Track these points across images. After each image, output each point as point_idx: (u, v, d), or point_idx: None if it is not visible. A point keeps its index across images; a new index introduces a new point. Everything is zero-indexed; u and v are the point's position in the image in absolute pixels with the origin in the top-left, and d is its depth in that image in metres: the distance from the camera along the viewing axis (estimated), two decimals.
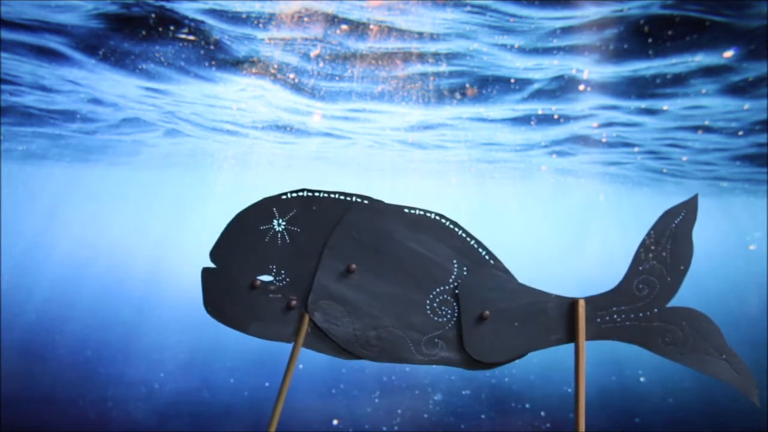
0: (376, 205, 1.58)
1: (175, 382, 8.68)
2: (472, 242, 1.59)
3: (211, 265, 1.60)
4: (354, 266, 1.58)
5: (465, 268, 1.59)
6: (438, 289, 1.60)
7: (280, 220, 1.59)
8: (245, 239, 1.59)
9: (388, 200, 1.61)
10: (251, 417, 7.62)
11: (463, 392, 8.87)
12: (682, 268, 1.56)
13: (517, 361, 1.61)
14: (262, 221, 1.58)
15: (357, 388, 8.60)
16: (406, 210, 1.59)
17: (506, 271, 1.60)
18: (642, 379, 9.83)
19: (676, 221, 1.56)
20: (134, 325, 11.69)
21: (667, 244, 1.56)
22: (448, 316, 1.60)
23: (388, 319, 1.59)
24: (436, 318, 1.60)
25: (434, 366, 1.62)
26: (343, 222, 1.57)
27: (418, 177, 13.33)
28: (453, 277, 1.59)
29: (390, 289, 1.59)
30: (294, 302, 1.60)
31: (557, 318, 1.58)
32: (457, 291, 1.59)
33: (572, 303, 1.58)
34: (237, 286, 1.59)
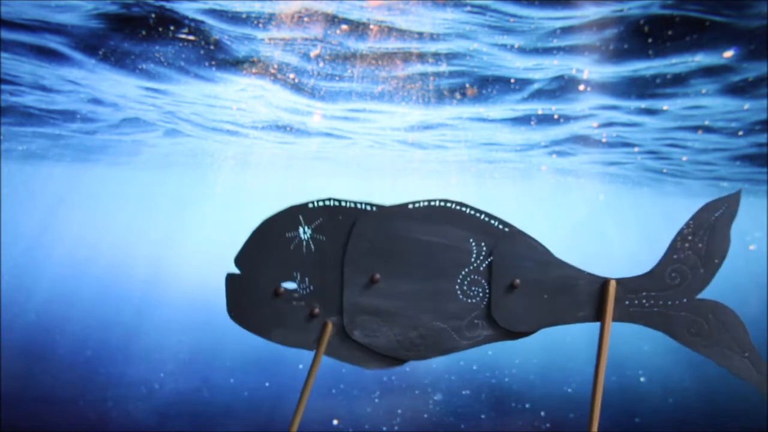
0: (380, 210, 1.58)
1: (175, 382, 8.68)
2: (482, 216, 1.59)
3: (236, 270, 1.60)
4: (377, 275, 1.59)
5: (483, 244, 1.59)
6: (463, 272, 1.60)
7: (306, 228, 1.59)
8: (270, 246, 1.59)
9: (388, 201, 1.61)
10: (251, 417, 7.62)
11: (463, 392, 8.88)
12: (716, 261, 1.57)
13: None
14: (288, 229, 1.59)
15: (357, 388, 8.60)
16: (411, 206, 1.59)
17: (531, 238, 1.60)
18: (642, 379, 9.83)
19: (716, 214, 1.57)
20: (134, 325, 11.69)
21: (705, 235, 1.56)
22: (480, 295, 1.60)
23: (424, 315, 1.60)
24: (469, 300, 1.60)
25: (478, 348, 1.62)
26: (354, 235, 1.58)
27: (418, 177, 13.33)
28: (474, 256, 1.59)
29: (417, 287, 1.60)
30: (317, 310, 1.60)
31: (587, 295, 1.59)
32: (482, 268, 1.59)
33: (604, 282, 1.58)
34: (261, 293, 1.60)
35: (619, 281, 1.58)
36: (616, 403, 8.39)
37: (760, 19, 3.78)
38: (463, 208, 1.59)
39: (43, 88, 6.55)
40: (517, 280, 1.58)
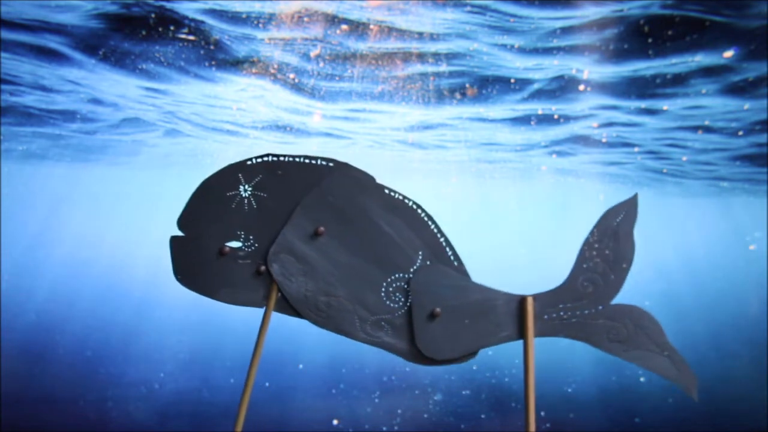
0: (359, 177, 1.58)
1: (175, 382, 8.68)
2: (442, 239, 1.60)
3: (180, 233, 1.60)
4: (322, 229, 1.58)
5: (428, 262, 1.59)
6: (397, 275, 1.60)
7: (246, 186, 1.58)
8: (212, 206, 1.58)
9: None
10: (251, 417, 7.61)
11: (463, 392, 8.88)
12: (624, 266, 1.58)
13: (470, 361, 1.62)
14: (228, 187, 1.58)
15: (357, 388, 8.60)
16: (387, 191, 1.59)
17: (461, 272, 1.60)
18: (642, 379, 9.83)
19: (617, 220, 1.58)
20: (134, 326, 11.70)
21: (610, 242, 1.58)
22: (401, 303, 1.60)
23: (342, 289, 1.60)
24: (388, 302, 1.60)
25: (390, 354, 1.62)
26: (323, 185, 1.57)
27: (418, 177, 13.33)
28: (414, 267, 1.59)
29: (351, 261, 1.59)
30: (263, 267, 1.59)
31: (506, 315, 1.59)
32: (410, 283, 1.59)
33: (521, 300, 1.59)
34: (206, 254, 1.59)
35: (535, 297, 1.59)
36: (616, 403, 8.39)
37: (760, 19, 3.79)
38: (430, 222, 1.59)
39: (43, 88, 6.55)
40: (438, 309, 1.58)
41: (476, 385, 9.19)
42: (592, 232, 1.58)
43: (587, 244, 1.58)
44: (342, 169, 1.58)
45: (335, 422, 7.55)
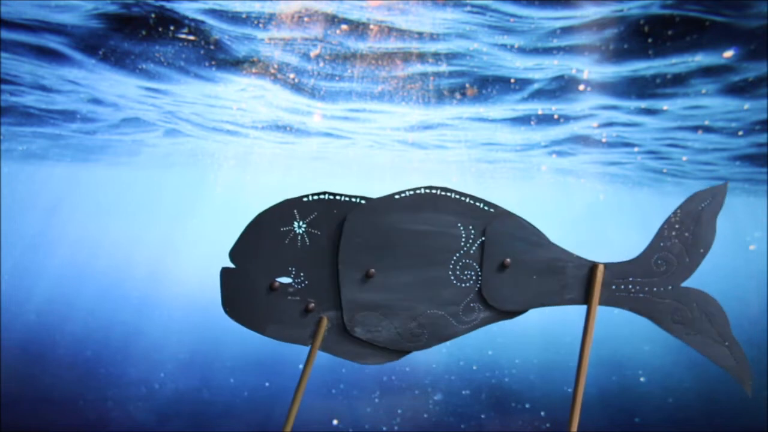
0: (368, 204, 1.58)
1: (175, 382, 8.68)
2: (467, 200, 1.59)
3: (230, 265, 1.59)
4: (372, 270, 1.58)
5: (471, 227, 1.59)
6: (455, 257, 1.60)
7: (301, 222, 1.57)
8: (265, 240, 1.58)
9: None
10: (251, 417, 7.63)
11: (463, 392, 8.88)
12: (702, 250, 1.59)
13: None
14: (282, 223, 1.57)
15: (357, 388, 8.60)
16: (397, 196, 1.58)
17: (523, 219, 1.61)
18: (642, 379, 9.83)
19: (703, 204, 1.58)
20: (134, 325, 11.69)
21: (691, 225, 1.58)
22: (474, 278, 1.60)
23: (421, 305, 1.60)
24: (462, 285, 1.61)
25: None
26: (345, 231, 1.57)
27: (418, 177, 13.32)
28: (463, 240, 1.59)
29: (411, 277, 1.59)
30: (312, 305, 1.59)
31: (575, 278, 1.61)
32: (472, 251, 1.59)
33: (592, 266, 1.60)
34: (256, 287, 1.59)
35: (606, 266, 1.60)
36: (616, 403, 8.39)
37: (760, 19, 3.79)
38: (448, 193, 1.58)
39: (43, 88, 6.55)
40: (508, 260, 1.59)
41: (476, 385, 9.19)
42: (675, 212, 1.59)
43: (668, 224, 1.59)
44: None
45: (335, 422, 7.55)
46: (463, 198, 1.59)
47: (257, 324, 1.60)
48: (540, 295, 1.61)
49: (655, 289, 1.60)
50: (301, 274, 1.59)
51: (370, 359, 1.63)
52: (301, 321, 1.60)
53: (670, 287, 1.60)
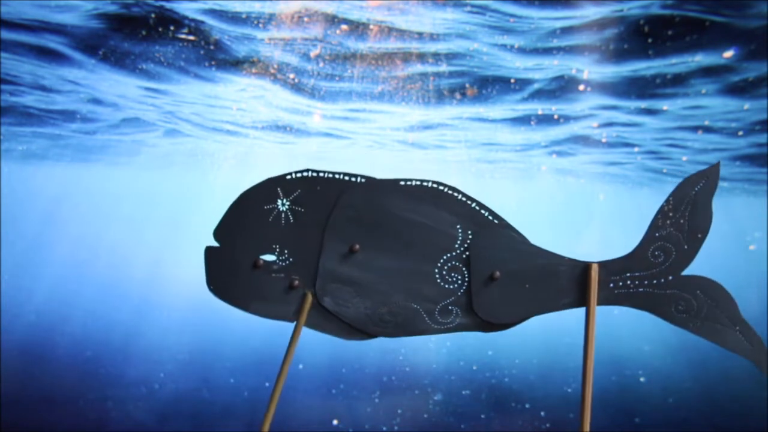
0: (370, 182, 1.57)
1: (175, 382, 8.68)
2: (473, 205, 1.57)
3: (215, 243, 1.60)
4: (357, 246, 1.56)
5: (470, 232, 1.57)
6: (445, 257, 1.58)
7: (284, 200, 1.57)
8: (249, 219, 1.58)
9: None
10: (251, 417, 7.62)
11: (463, 392, 8.88)
12: (699, 236, 1.53)
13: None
14: (266, 201, 1.57)
15: (357, 388, 8.60)
16: (402, 182, 1.58)
17: (514, 230, 1.57)
18: (642, 379, 9.83)
19: (696, 188, 1.53)
20: (134, 326, 11.69)
21: (686, 211, 1.52)
22: (459, 282, 1.58)
23: (398, 293, 1.58)
24: (446, 286, 1.58)
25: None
26: (340, 203, 1.55)
27: (418, 177, 13.32)
28: (458, 242, 1.57)
29: (396, 263, 1.57)
30: (296, 282, 1.58)
31: (569, 281, 1.55)
32: (464, 255, 1.56)
33: (585, 267, 1.55)
34: (240, 266, 1.58)
35: (601, 264, 1.55)
36: (616, 403, 8.39)
37: (760, 19, 3.79)
38: (455, 194, 1.57)
39: (43, 88, 6.55)
40: (497, 273, 1.55)
41: (476, 385, 9.19)
42: (667, 201, 1.52)
43: (661, 213, 1.52)
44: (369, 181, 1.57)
45: (335, 422, 7.55)
46: (469, 202, 1.57)
47: (241, 301, 1.59)
48: (535, 303, 1.56)
49: (655, 281, 1.54)
50: (285, 251, 1.58)
51: (356, 335, 1.61)
52: (285, 297, 1.59)
53: (670, 278, 1.54)
